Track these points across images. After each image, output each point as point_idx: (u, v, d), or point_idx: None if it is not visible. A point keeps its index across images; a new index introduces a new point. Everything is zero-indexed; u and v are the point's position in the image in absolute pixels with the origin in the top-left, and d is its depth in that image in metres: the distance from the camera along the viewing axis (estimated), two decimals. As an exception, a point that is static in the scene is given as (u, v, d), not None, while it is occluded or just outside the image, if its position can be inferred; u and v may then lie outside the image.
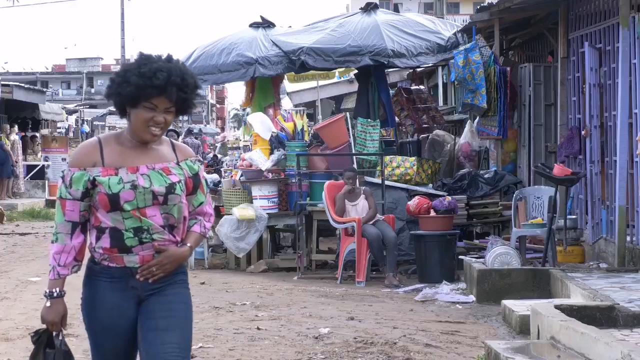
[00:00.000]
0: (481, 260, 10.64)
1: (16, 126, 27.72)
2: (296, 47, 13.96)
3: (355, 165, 13.12)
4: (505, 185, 13.00)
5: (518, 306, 8.36)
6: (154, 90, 3.81)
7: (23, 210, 23.21)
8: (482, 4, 15.05)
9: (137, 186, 3.84)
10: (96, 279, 3.92)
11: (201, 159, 4.44)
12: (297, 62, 13.93)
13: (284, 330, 8.18)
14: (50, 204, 25.18)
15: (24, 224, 21.06)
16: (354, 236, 11.70)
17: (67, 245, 3.90)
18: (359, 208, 11.90)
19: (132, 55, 65.15)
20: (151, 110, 3.85)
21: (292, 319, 8.73)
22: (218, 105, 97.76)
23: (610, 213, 10.77)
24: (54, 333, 3.95)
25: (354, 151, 13.45)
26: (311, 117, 27.83)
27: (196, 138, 32.96)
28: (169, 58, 3.91)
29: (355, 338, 7.74)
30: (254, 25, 14.90)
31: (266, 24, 14.93)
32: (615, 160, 10.41)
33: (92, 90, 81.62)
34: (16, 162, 25.31)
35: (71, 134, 49.34)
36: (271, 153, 13.81)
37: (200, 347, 7.32)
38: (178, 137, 27.15)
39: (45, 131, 35.42)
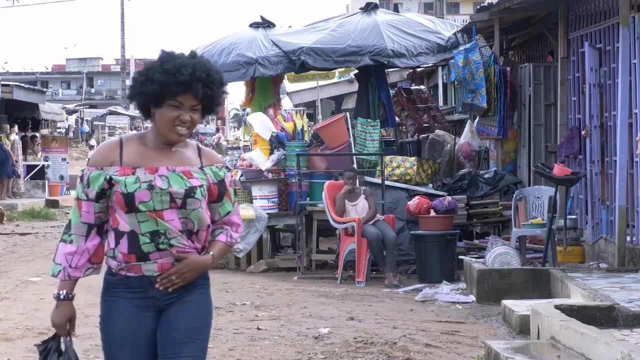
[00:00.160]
0: (481, 260, 10.64)
1: (16, 126, 27.72)
2: (296, 47, 13.96)
3: (355, 165, 13.12)
4: (505, 185, 13.00)
5: (518, 306, 8.36)
6: (178, 87, 3.67)
7: (23, 210, 23.21)
8: (482, 4, 15.05)
9: (154, 187, 3.69)
10: (114, 290, 3.76)
11: (228, 166, 4.26)
12: (297, 62, 13.93)
13: (284, 330, 8.18)
14: (50, 204, 25.19)
15: (24, 224, 21.06)
16: (354, 236, 11.70)
17: (81, 247, 3.75)
18: (359, 208, 11.90)
19: (132, 55, 65.31)
20: (176, 108, 3.70)
21: (292, 319, 8.73)
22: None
23: (610, 213, 10.77)
24: (62, 338, 3.80)
25: (354, 151, 13.45)
26: (311, 117, 27.84)
27: (193, 138, 32.96)
28: (193, 54, 3.77)
29: (355, 338, 7.75)
30: (254, 25, 14.90)
31: (266, 24, 14.93)
32: (615, 160, 10.41)
33: (92, 90, 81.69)
34: (16, 161, 25.31)
35: (71, 134, 49.45)
36: (271, 153, 13.81)
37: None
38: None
39: (45, 131, 35.44)
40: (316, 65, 14.18)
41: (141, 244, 3.69)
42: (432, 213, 11.90)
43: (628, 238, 10.21)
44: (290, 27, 16.43)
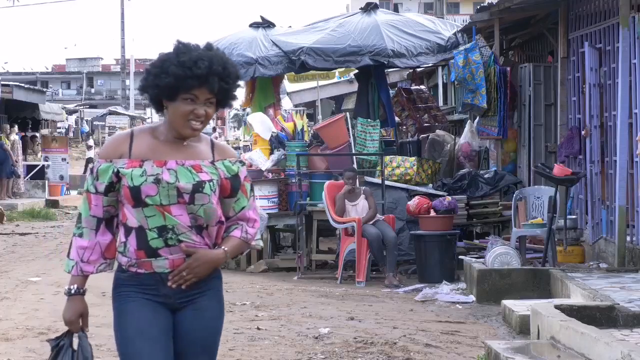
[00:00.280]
0: (481, 260, 10.64)
1: (16, 126, 27.72)
2: (296, 47, 13.96)
3: (355, 165, 13.12)
4: (505, 185, 13.00)
5: (518, 306, 8.36)
6: (194, 80, 3.54)
7: (23, 210, 23.21)
8: (482, 4, 15.05)
9: (161, 180, 3.57)
10: (125, 286, 3.66)
11: (243, 161, 4.11)
12: (297, 62, 13.93)
13: (284, 330, 8.18)
14: (50, 204, 25.20)
15: (24, 224, 21.06)
16: (354, 236, 11.70)
17: (92, 240, 3.65)
18: (359, 208, 11.90)
19: (132, 55, 65.24)
20: (191, 102, 3.58)
21: (292, 319, 8.73)
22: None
23: (610, 213, 10.77)
24: (74, 335, 3.70)
25: (354, 151, 13.45)
26: (311, 117, 27.85)
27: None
28: (209, 46, 3.65)
29: (355, 338, 7.74)
30: (254, 25, 14.90)
31: (266, 24, 14.93)
32: (615, 160, 10.41)
33: (92, 90, 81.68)
34: (16, 162, 25.30)
35: (71, 134, 49.44)
36: (271, 153, 13.81)
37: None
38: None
39: (45, 131, 35.44)
40: (316, 65, 14.18)
41: (149, 240, 3.59)
42: (432, 213, 11.89)
43: (628, 238, 10.21)
44: (290, 27, 16.44)
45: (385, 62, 14.11)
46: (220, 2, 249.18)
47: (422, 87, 18.40)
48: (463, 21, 20.61)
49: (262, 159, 13.52)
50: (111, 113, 56.28)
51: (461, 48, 13.17)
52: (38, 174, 27.25)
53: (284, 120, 14.47)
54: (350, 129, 13.82)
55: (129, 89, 63.72)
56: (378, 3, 15.37)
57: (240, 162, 3.79)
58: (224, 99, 3.67)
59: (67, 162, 28.23)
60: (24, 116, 30.91)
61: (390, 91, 16.35)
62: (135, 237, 3.61)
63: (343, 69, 17.87)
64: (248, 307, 9.44)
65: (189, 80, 3.54)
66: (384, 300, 10.25)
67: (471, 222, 13.07)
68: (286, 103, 27.30)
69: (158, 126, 3.72)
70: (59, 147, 28.27)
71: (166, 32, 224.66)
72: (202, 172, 3.64)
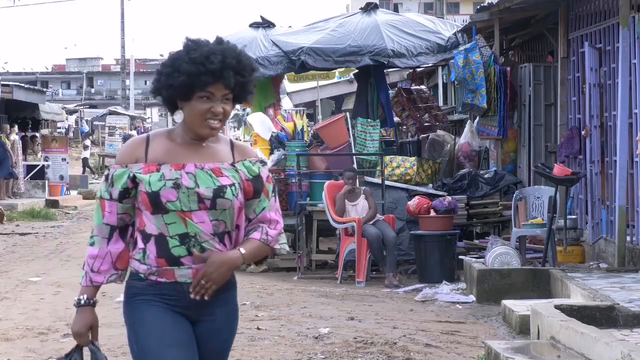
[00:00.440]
0: (481, 260, 10.64)
1: (16, 126, 27.71)
2: (296, 47, 13.96)
3: (355, 165, 13.12)
4: (505, 185, 13.00)
5: (518, 306, 8.35)
6: (208, 76, 3.37)
7: (23, 210, 23.21)
8: (482, 4, 15.05)
9: (180, 185, 3.40)
10: (141, 295, 3.47)
11: (264, 160, 3.91)
12: (297, 62, 13.92)
13: (284, 330, 8.18)
14: (50, 204, 25.19)
15: (24, 224, 21.05)
16: (354, 236, 11.69)
17: (103, 249, 3.49)
18: (359, 208, 11.90)
19: (132, 55, 65.23)
20: (207, 100, 3.40)
21: (292, 319, 8.73)
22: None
23: (610, 213, 10.77)
24: (83, 348, 3.53)
25: (354, 151, 13.45)
26: (311, 117, 27.86)
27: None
28: (220, 40, 3.48)
29: (355, 338, 7.74)
30: (254, 25, 14.89)
31: (266, 24, 14.93)
32: (615, 160, 10.41)
33: (92, 90, 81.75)
34: (15, 162, 25.30)
35: (71, 134, 49.48)
36: (271, 153, 13.81)
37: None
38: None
39: (45, 131, 35.44)
40: (316, 65, 14.18)
41: (170, 248, 3.42)
42: (432, 213, 11.89)
43: (628, 238, 10.21)
44: (290, 27, 16.44)
45: (385, 62, 14.10)
46: (220, 2, 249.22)
47: (423, 87, 18.40)
48: (463, 21, 20.61)
49: (262, 159, 13.51)
50: (111, 113, 56.27)
51: (461, 48, 13.17)
52: (38, 174, 27.24)
53: (284, 120, 14.48)
54: (350, 129, 13.82)
55: (129, 89, 63.78)
56: (378, 3, 15.36)
57: (262, 162, 3.62)
58: (241, 93, 3.49)
59: (67, 162, 28.21)
60: (24, 116, 30.90)
61: (391, 91, 16.35)
62: (155, 244, 3.45)
63: (343, 69, 17.87)
64: (248, 307, 9.44)
65: (203, 77, 3.38)
66: (384, 300, 10.25)
67: (471, 222, 13.07)
68: (286, 103, 27.30)
69: (174, 129, 3.56)
70: (59, 147, 28.24)
71: (166, 32, 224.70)
72: (222, 176, 3.47)
